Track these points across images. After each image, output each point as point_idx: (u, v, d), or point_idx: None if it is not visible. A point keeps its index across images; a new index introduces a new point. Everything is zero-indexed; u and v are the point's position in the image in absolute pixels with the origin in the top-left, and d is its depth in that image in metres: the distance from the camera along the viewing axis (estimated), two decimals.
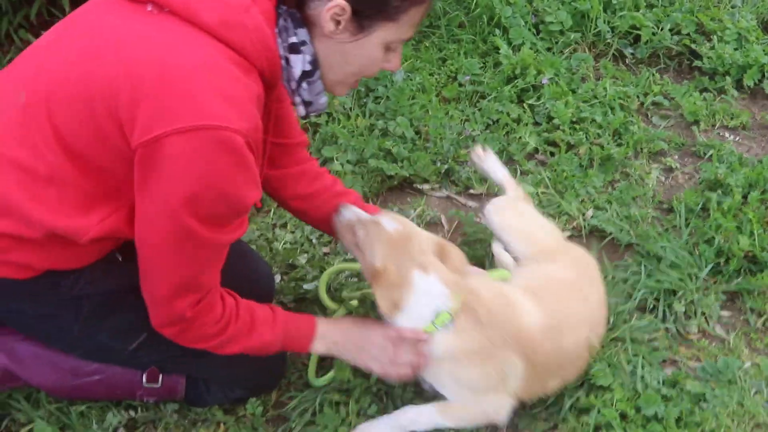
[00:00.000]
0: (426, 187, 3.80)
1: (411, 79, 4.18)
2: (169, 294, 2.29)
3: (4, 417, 2.83)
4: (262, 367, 2.84)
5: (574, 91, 4.15)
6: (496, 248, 3.23)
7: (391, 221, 2.65)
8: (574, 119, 4.00)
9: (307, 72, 2.33)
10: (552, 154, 3.89)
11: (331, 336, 2.69)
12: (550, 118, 4.02)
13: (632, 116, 4.05)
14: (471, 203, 3.74)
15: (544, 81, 4.14)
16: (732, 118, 4.11)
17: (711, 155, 3.85)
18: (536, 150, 3.92)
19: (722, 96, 4.23)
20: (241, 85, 2.14)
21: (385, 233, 2.61)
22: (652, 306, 3.24)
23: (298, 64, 2.31)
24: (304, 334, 2.66)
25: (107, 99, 2.09)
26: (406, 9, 2.26)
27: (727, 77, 4.27)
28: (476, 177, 3.76)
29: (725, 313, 3.29)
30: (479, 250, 3.42)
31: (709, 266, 3.33)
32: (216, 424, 2.90)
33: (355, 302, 3.01)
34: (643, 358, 3.01)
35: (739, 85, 4.30)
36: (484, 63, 4.35)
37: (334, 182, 2.97)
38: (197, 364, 2.78)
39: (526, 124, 3.99)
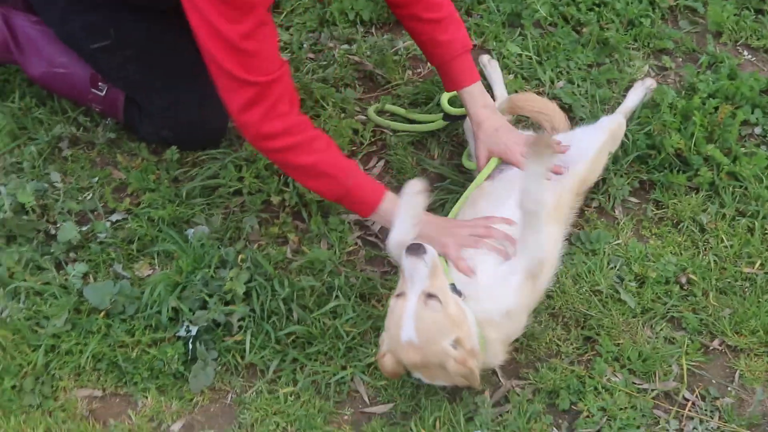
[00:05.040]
0: None
1: None
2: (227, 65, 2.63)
3: None
4: (192, 121, 3.31)
5: None
6: None
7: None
8: (597, 2, 4.07)
9: None
10: (559, 26, 3.99)
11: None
12: None
13: (654, 11, 4.06)
14: None
15: None
16: (759, 39, 4.04)
17: (701, 62, 3.85)
18: (545, 20, 4.03)
19: (759, 16, 4.13)
20: None
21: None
22: None
23: None
24: (373, 193, 2.85)
25: None
26: None
27: None
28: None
29: (633, 200, 3.40)
30: None
31: (636, 154, 3.42)
32: (139, 158, 3.39)
33: None
34: None
35: None
36: None
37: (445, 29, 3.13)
38: (140, 87, 3.29)
39: None
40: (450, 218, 2.99)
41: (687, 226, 3.28)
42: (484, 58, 3.72)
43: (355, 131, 3.52)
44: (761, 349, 2.98)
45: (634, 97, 3.57)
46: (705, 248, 3.24)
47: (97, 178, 3.31)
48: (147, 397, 2.82)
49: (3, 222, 3.08)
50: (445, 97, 3.48)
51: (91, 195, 3.27)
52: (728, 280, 3.14)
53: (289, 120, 2.74)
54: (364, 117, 3.61)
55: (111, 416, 2.79)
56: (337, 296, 3.00)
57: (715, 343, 3.01)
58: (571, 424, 2.81)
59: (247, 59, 2.61)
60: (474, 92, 3.16)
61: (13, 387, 2.79)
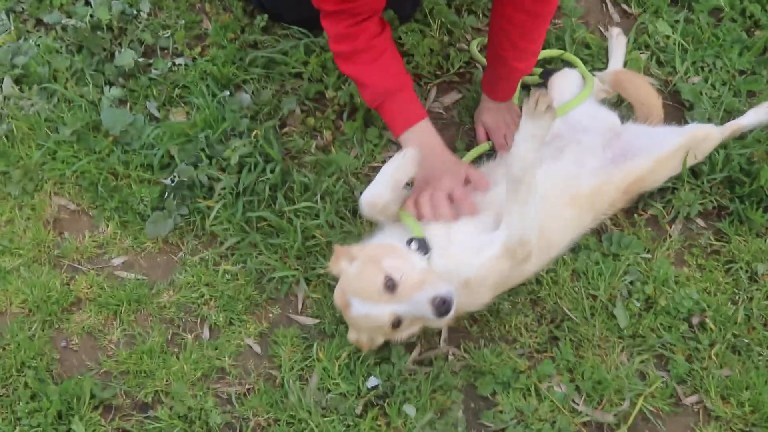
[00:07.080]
0: None
1: None
2: None
3: None
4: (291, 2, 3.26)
5: None
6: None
7: None
8: None
9: None
10: (727, 19, 3.51)
11: (426, 138, 2.71)
12: None
13: None
14: (616, 17, 3.57)
15: None
16: None
17: None
18: (721, 9, 3.55)
19: None
20: None
21: None
22: None
23: None
24: (407, 115, 2.71)
25: None
26: None
27: None
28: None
29: (699, 221, 2.98)
30: None
31: (725, 174, 2.98)
32: (228, 15, 3.38)
33: None
34: None
35: None
36: None
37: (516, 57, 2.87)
38: None
39: None
40: (463, 162, 2.79)
41: (738, 270, 2.84)
42: (614, 31, 3.36)
43: (447, 57, 3.32)
44: (738, 425, 2.56)
45: (752, 117, 3.09)
46: (743, 299, 2.79)
47: (184, 21, 3.37)
48: (108, 226, 2.89)
49: (77, 30, 3.23)
50: (475, 43, 3.32)
51: (169, 34, 3.34)
52: (747, 341, 2.69)
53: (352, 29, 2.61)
54: (465, 47, 3.39)
55: (69, 230, 2.90)
56: (318, 200, 2.89)
57: (692, 398, 2.63)
58: (477, 412, 2.57)
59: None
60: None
61: (4, 173, 2.96)
